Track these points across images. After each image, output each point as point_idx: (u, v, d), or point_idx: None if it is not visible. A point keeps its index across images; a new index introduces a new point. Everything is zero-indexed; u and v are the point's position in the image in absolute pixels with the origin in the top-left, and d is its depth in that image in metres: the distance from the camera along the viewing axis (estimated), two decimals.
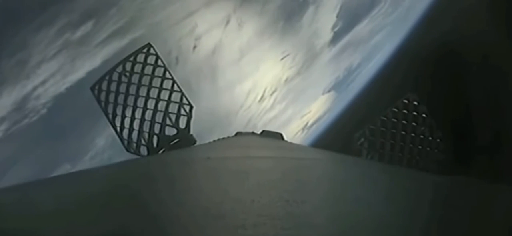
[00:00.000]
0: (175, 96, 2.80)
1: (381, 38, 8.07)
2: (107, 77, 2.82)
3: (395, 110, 2.84)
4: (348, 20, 8.21)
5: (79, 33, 6.88)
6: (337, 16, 8.06)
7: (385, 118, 2.82)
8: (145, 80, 2.82)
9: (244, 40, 8.07)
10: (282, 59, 8.19)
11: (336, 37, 8.19)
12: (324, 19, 8.15)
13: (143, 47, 2.89)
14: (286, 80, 8.33)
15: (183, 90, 2.81)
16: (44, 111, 6.81)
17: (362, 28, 8.18)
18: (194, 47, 7.69)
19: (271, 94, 8.29)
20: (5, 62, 6.70)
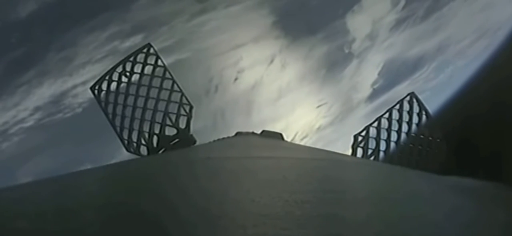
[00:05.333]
0: (175, 96, 2.80)
1: None
2: (107, 77, 2.82)
3: (395, 110, 2.83)
4: (389, 79, 8.20)
5: (128, 43, 7.24)
6: (378, 74, 8.10)
7: (385, 118, 2.81)
8: (145, 80, 2.82)
9: (284, 81, 8.23)
10: (318, 106, 8.22)
11: (375, 94, 8.12)
12: (366, 74, 8.19)
13: (143, 47, 2.89)
14: (318, 128, 8.34)
15: (183, 90, 2.81)
16: (79, 110, 7.04)
17: (401, 89, 8.15)
18: (235, 79, 7.90)
19: (302, 139, 8.31)
20: (52, 55, 7.03)
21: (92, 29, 7.04)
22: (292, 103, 8.26)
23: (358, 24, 8.02)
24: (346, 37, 8.14)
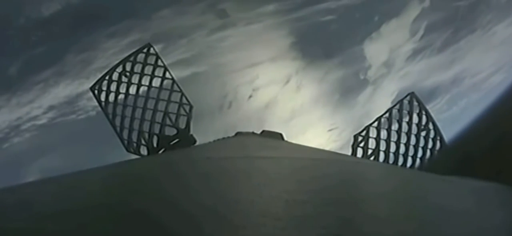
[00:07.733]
0: (175, 96, 2.80)
1: None
2: (107, 77, 2.82)
3: (396, 110, 2.83)
4: None
5: None
6: (392, 102, 8.10)
7: (385, 118, 2.81)
8: (145, 80, 2.82)
9: (298, 103, 8.24)
10: (330, 130, 8.22)
11: None
12: (379, 101, 8.21)
13: (143, 47, 2.89)
14: None
15: (183, 90, 2.81)
16: (92, 113, 7.10)
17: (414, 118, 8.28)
18: (250, 96, 7.93)
19: None
20: (71, 56, 7.14)
21: (113, 34, 7.14)
22: (304, 125, 8.26)
23: (375, 51, 8.01)
24: (362, 63, 8.12)
